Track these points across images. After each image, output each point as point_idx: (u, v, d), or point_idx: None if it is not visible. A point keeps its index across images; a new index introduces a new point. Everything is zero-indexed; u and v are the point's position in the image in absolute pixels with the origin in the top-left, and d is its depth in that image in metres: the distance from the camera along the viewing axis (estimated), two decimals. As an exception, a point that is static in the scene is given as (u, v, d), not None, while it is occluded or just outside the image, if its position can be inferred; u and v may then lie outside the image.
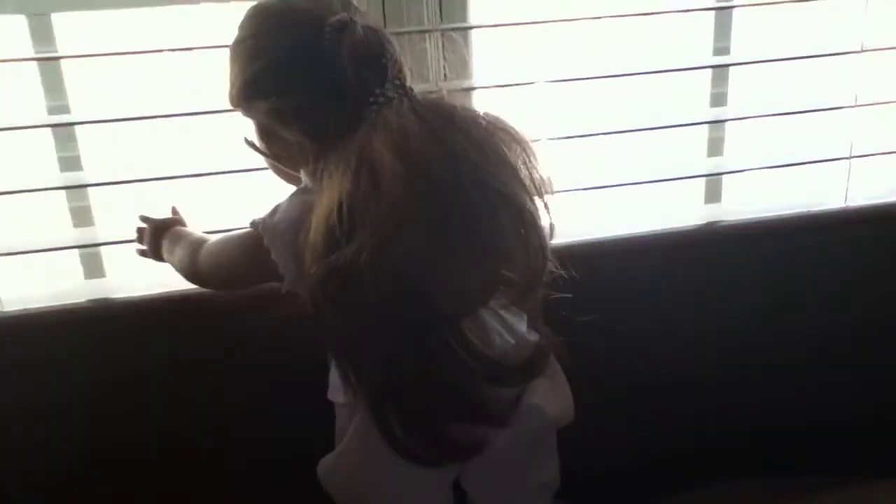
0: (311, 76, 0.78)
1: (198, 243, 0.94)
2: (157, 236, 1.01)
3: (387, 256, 0.70)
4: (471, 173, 0.73)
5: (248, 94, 0.82)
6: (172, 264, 0.98)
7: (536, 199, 0.79)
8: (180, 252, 0.96)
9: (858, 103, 1.22)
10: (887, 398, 1.32)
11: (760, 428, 1.30)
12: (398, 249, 0.71)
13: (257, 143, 0.88)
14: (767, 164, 1.23)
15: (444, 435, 0.82)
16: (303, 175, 0.86)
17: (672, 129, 1.18)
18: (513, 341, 0.87)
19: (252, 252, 0.84)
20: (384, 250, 0.70)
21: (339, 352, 0.80)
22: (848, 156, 1.25)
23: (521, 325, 0.90)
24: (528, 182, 0.78)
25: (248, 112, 0.85)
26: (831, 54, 1.20)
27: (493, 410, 0.84)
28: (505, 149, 0.77)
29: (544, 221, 0.80)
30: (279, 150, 0.86)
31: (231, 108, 0.87)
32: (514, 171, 0.77)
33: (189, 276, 0.96)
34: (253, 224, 0.84)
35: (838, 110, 1.23)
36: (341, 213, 0.71)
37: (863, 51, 1.20)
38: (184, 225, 1.02)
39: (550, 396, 0.91)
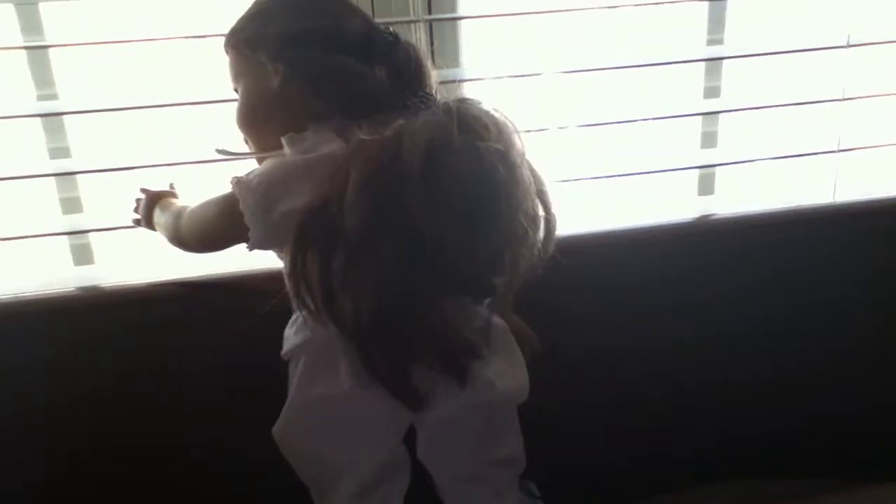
0: (371, 47, 0.85)
1: (182, 209, 0.97)
2: (150, 207, 1.03)
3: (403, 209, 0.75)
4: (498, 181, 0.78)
5: (282, 45, 0.85)
6: (160, 231, 1.01)
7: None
8: (165, 218, 0.99)
9: (846, 97, 1.22)
10: (888, 397, 1.32)
11: (756, 424, 1.29)
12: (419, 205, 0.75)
13: (249, 97, 0.89)
14: (755, 158, 1.24)
15: (409, 375, 0.84)
16: (286, 144, 0.86)
17: (661, 120, 1.19)
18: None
19: (228, 210, 0.85)
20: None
21: (322, 296, 0.80)
22: (836, 149, 1.26)
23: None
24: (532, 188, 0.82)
25: (259, 61, 0.87)
26: (818, 48, 1.21)
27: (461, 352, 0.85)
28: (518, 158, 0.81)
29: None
30: (280, 108, 0.87)
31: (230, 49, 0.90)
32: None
33: (173, 240, 0.98)
34: (232, 181, 0.85)
35: (827, 104, 1.24)
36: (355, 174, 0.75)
37: (849, 45, 1.20)
38: (176, 198, 1.05)
39: (506, 372, 0.91)
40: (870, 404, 1.31)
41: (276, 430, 0.91)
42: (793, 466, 1.27)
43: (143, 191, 1.06)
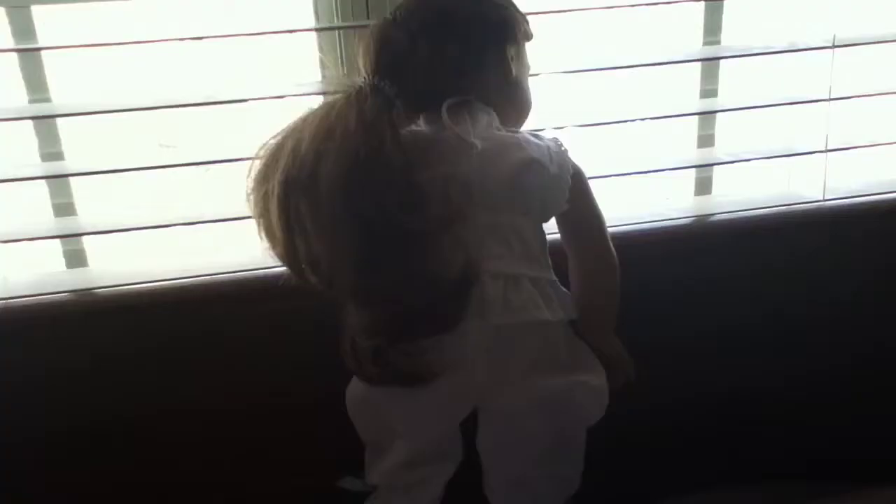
0: None
1: None
2: None
3: None
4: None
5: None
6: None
7: None
8: None
9: (832, 97, 1.24)
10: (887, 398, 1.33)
11: (755, 424, 1.30)
12: None
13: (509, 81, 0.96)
14: (745, 158, 1.25)
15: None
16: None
17: (657, 122, 1.20)
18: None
19: None
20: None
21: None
22: (824, 149, 1.27)
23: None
24: None
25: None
26: (804, 49, 1.23)
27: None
28: None
29: None
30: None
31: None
32: None
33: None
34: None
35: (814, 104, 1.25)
36: None
37: (835, 46, 1.22)
38: None
39: (591, 397, 0.95)
40: (869, 403, 1.32)
41: (348, 390, 0.97)
42: (792, 468, 1.28)
43: None
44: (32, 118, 1.07)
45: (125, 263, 1.14)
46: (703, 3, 1.21)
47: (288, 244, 0.85)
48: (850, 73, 1.24)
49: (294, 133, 0.85)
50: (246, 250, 1.13)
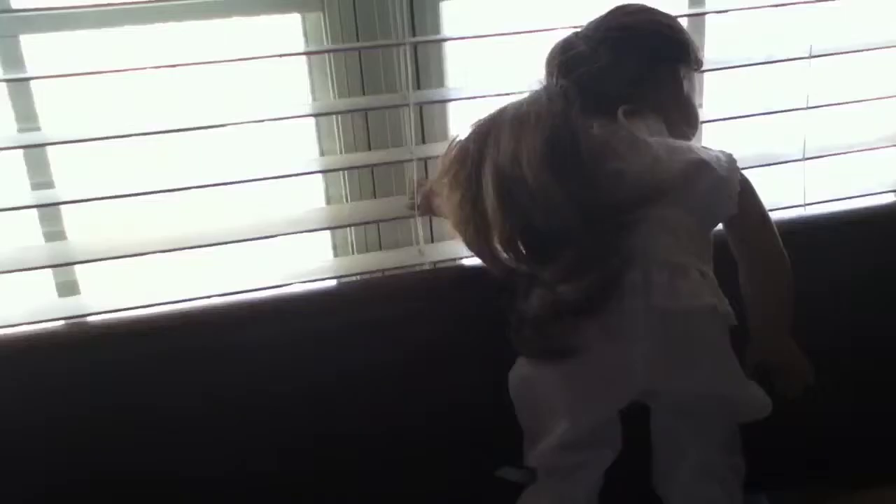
0: None
1: None
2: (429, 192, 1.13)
3: None
4: None
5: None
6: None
7: None
8: None
9: (810, 105, 1.27)
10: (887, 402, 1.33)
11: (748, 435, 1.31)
12: None
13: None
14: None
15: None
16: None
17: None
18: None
19: None
20: None
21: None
22: (801, 157, 1.31)
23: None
24: None
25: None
26: (782, 60, 1.26)
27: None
28: None
29: None
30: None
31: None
32: None
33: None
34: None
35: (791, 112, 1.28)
36: None
37: (811, 56, 1.25)
38: None
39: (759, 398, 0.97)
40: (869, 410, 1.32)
41: (510, 374, 1.01)
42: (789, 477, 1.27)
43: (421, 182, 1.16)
44: (22, 146, 1.06)
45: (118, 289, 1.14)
46: (685, 19, 1.23)
47: (499, 224, 0.92)
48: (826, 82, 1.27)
49: (479, 136, 0.94)
50: (238, 274, 1.14)
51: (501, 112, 0.94)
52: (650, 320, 0.90)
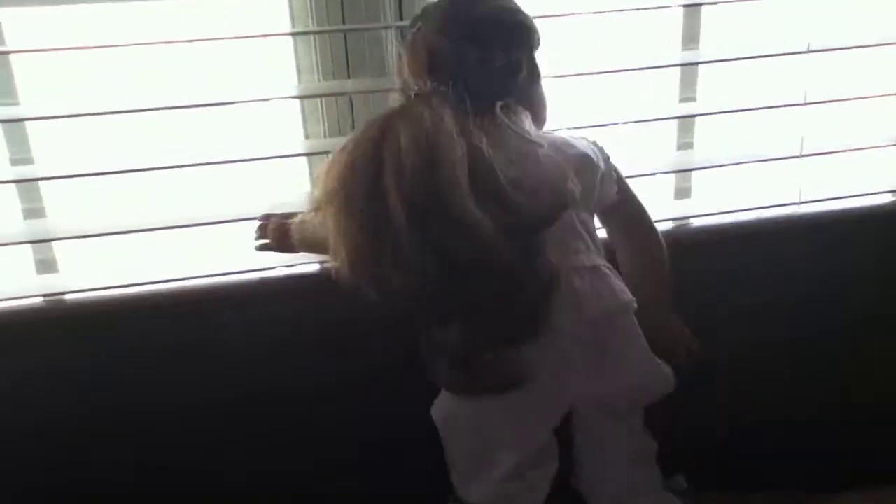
0: None
1: None
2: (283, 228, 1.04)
3: None
4: None
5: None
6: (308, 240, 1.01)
7: None
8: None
9: (808, 101, 1.25)
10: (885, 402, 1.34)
11: (744, 434, 1.30)
12: None
13: None
14: (726, 163, 1.25)
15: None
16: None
17: (637, 126, 1.20)
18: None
19: None
20: None
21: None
22: (798, 154, 1.28)
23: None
24: None
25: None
26: (779, 54, 1.23)
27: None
28: None
29: None
30: None
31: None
32: None
33: None
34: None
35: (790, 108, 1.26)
36: None
37: (809, 51, 1.23)
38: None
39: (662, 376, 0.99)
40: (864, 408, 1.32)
41: (433, 411, 0.99)
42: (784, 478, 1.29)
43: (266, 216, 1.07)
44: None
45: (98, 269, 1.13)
46: (681, 10, 1.21)
47: (410, 253, 0.80)
48: (825, 78, 1.24)
49: (359, 146, 0.83)
50: (220, 255, 1.13)
51: (387, 123, 0.84)
52: (580, 330, 0.91)
